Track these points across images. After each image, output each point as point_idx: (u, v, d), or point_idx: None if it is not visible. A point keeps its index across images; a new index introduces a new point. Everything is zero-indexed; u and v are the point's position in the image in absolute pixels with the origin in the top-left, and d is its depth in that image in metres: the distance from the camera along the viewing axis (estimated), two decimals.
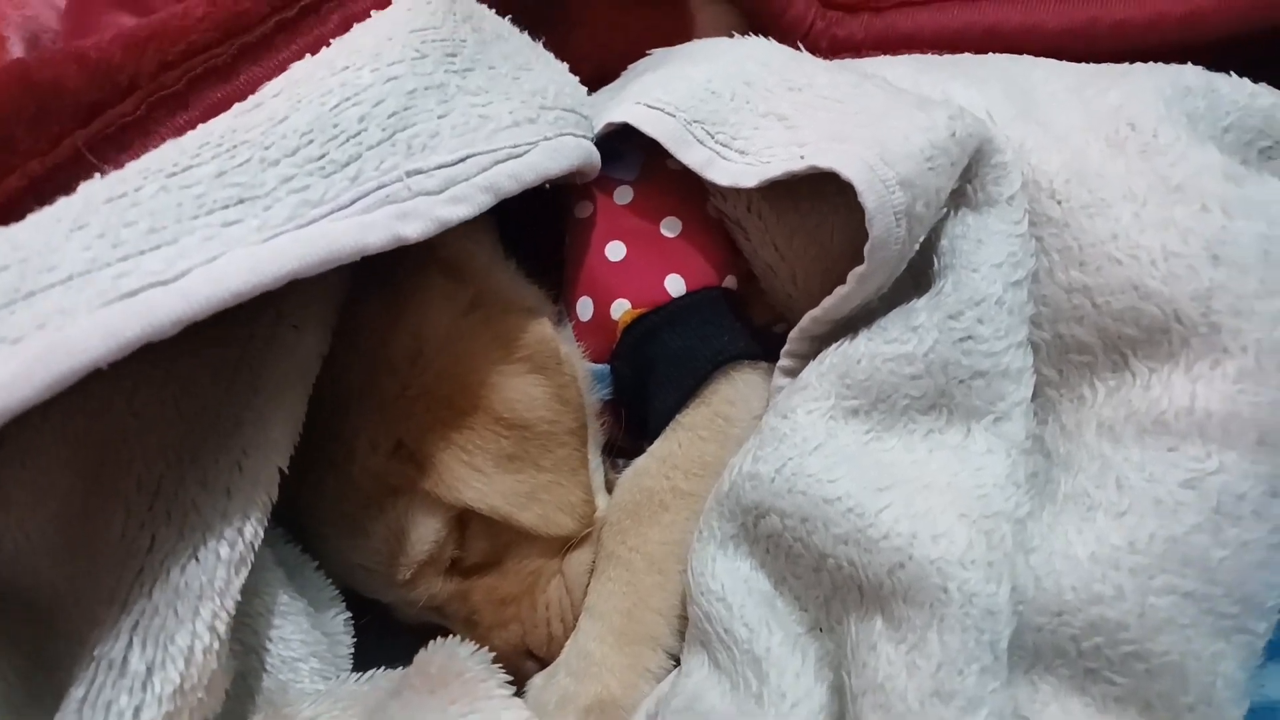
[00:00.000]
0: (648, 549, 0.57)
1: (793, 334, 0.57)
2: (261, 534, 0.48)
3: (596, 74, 0.71)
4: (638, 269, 0.61)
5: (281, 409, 0.50)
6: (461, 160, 0.50)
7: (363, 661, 0.57)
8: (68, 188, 0.57)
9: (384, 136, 0.48)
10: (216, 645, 0.44)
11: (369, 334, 0.56)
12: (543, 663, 0.58)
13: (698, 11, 0.82)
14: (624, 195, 0.64)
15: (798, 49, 0.67)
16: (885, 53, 0.73)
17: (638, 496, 0.58)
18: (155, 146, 0.57)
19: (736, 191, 0.59)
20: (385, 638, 0.59)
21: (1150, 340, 0.50)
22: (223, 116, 0.49)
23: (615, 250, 0.62)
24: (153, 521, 0.46)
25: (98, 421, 0.45)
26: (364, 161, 0.47)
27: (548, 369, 0.57)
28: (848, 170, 0.51)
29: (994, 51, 0.69)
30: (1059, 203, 0.54)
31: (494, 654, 0.56)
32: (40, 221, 0.42)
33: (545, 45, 0.65)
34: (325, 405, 0.54)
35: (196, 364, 0.48)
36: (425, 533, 0.56)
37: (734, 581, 0.52)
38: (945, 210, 0.55)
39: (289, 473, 0.50)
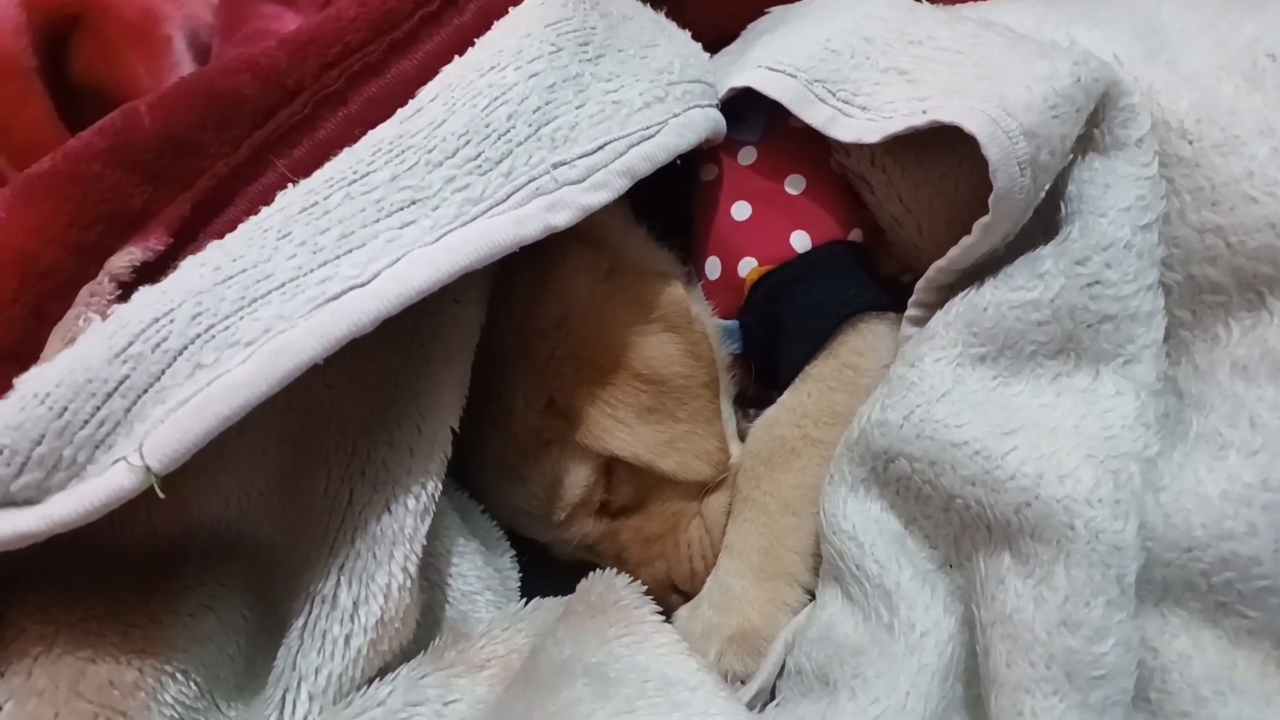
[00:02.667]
0: (781, 492, 0.60)
1: (919, 284, 0.59)
2: (440, 486, 0.54)
3: (716, 37, 0.74)
4: (763, 227, 0.64)
5: (450, 375, 0.56)
6: (600, 148, 0.54)
7: (528, 593, 0.63)
8: (249, 183, 0.64)
9: (530, 132, 0.53)
10: (409, 583, 0.51)
11: (520, 303, 0.61)
12: (687, 596, 0.63)
13: None
14: (748, 156, 0.67)
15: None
16: None
17: (770, 444, 0.62)
18: (322, 139, 0.64)
19: (860, 147, 0.61)
20: (545, 573, 0.65)
21: None
22: (389, 123, 0.54)
23: (741, 210, 0.65)
24: (350, 479, 0.53)
25: (299, 395, 0.51)
26: (515, 158, 0.52)
27: (680, 328, 0.61)
28: (970, 124, 0.52)
29: None
30: (1190, 142, 0.54)
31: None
32: (250, 233, 0.49)
33: (666, 14, 0.68)
34: (485, 368, 0.60)
35: (377, 340, 0.54)
36: (576, 479, 0.62)
37: (865, 522, 0.55)
38: (1072, 156, 0.55)
39: (458, 430, 0.56)
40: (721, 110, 0.65)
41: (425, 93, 0.55)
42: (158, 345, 0.44)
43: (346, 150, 0.53)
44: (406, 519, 0.52)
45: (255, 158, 0.64)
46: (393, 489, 0.52)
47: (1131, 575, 0.47)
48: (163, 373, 0.43)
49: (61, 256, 0.62)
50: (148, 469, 0.42)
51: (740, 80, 0.63)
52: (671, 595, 0.63)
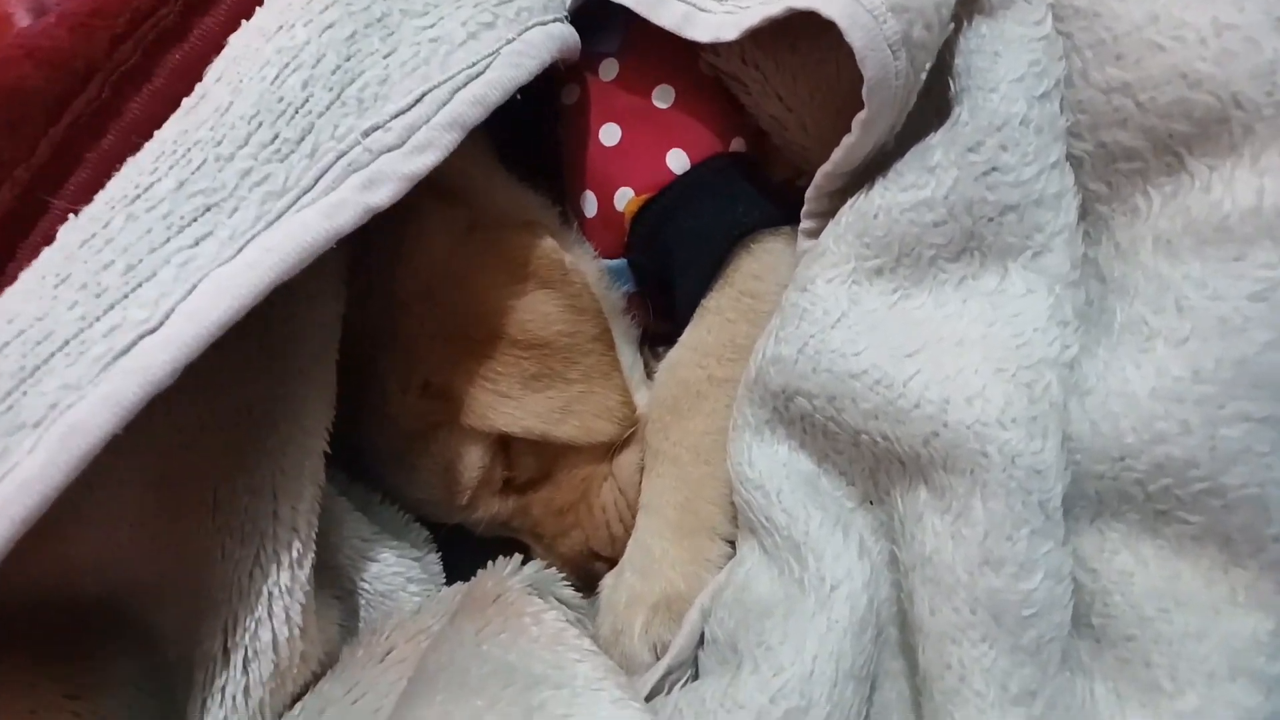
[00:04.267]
0: (691, 441, 0.55)
1: (809, 193, 0.53)
2: (315, 523, 0.49)
3: None
4: (636, 150, 0.57)
5: (312, 389, 0.51)
6: (417, 100, 0.46)
7: (457, 565, 0.60)
8: (59, 186, 0.58)
9: (332, 98, 0.45)
10: (298, 632, 0.48)
11: (379, 277, 0.55)
12: (611, 562, 0.59)
13: None
14: (609, 70, 0.59)
15: None
16: None
17: (675, 390, 0.57)
18: (130, 122, 0.57)
19: (728, 45, 0.54)
20: (469, 546, 0.60)
21: (1206, 134, 0.44)
22: (173, 118, 0.47)
23: (609, 134, 0.58)
24: (217, 533, 0.48)
25: (145, 436, 0.45)
26: (318, 132, 0.45)
27: (555, 282, 0.55)
28: (827, 7, 0.45)
29: None
30: None
31: (562, 561, 0.58)
32: (29, 284, 0.42)
33: None
34: (356, 351, 0.54)
35: (221, 367, 0.48)
36: (471, 461, 0.57)
37: (771, 466, 0.51)
38: (953, 25, 0.48)
39: (329, 450, 0.51)
40: (574, 21, 0.57)
41: (210, 73, 0.48)
42: None
43: (129, 161, 0.46)
44: (282, 574, 0.47)
45: (57, 156, 0.57)
46: (261, 542, 0.48)
47: (1056, 499, 0.42)
48: None
49: None
50: None
51: None
52: (594, 563, 0.59)
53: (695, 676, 0.51)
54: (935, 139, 0.48)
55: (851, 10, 0.45)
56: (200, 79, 0.58)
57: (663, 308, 0.61)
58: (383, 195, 0.45)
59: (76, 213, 0.46)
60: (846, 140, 0.49)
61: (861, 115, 0.47)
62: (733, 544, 0.55)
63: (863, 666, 0.46)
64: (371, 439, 0.58)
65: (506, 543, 0.61)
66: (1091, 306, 0.48)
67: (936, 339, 0.46)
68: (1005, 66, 0.47)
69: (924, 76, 0.48)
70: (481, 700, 0.41)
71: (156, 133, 0.47)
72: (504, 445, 0.57)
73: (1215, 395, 0.41)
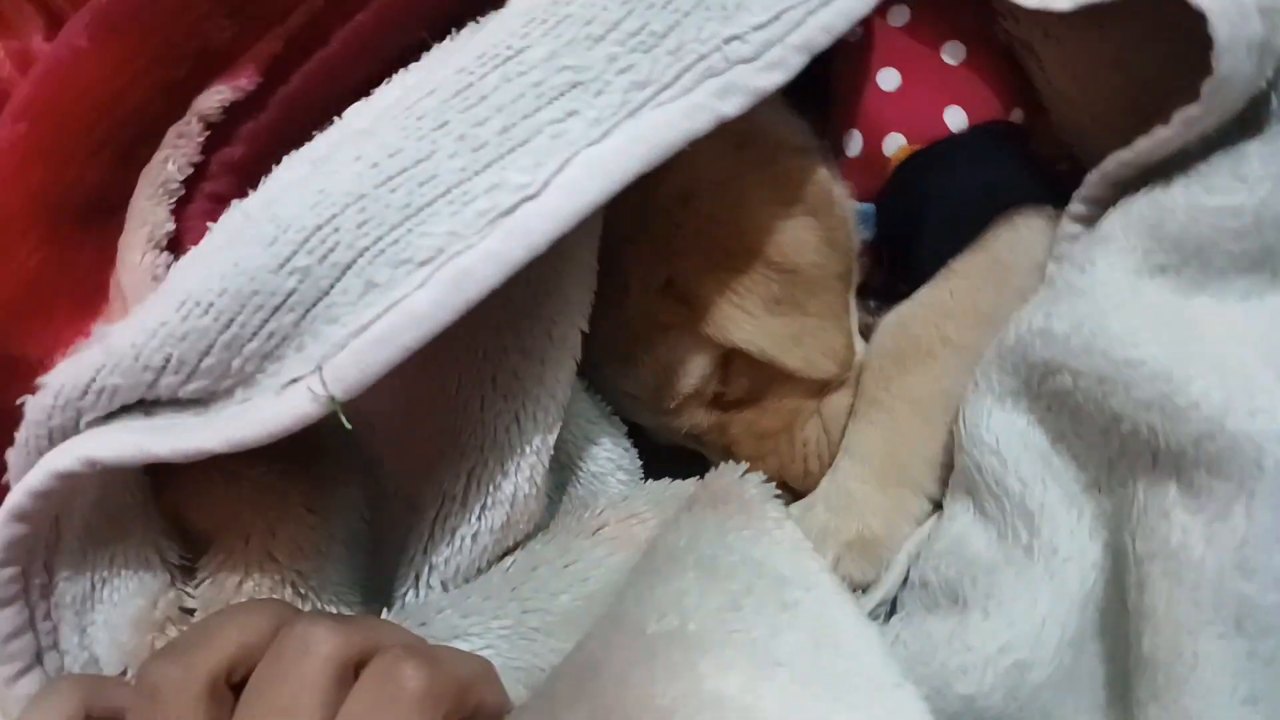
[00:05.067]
0: (912, 395, 0.56)
1: (1091, 177, 0.53)
2: (569, 393, 0.51)
3: None
4: (914, 100, 0.57)
5: (579, 270, 0.52)
6: (775, 18, 0.46)
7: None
8: (344, 20, 0.58)
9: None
10: (535, 491, 0.50)
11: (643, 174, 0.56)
12: (796, 496, 0.60)
13: None
14: (899, 15, 0.59)
15: None
16: None
17: (903, 343, 0.57)
18: None
19: (1030, 13, 0.53)
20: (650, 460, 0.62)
21: None
22: None
23: (889, 79, 0.58)
24: (480, 385, 0.50)
25: None
26: (683, 30, 0.45)
27: (820, 212, 0.55)
28: None
29: None
30: None
31: None
32: (402, 121, 0.43)
33: None
34: (603, 244, 0.55)
35: None
36: (692, 368, 0.58)
37: (1010, 435, 0.52)
38: None
39: (587, 331, 0.53)
40: None
41: None
42: (324, 257, 0.40)
43: (495, 18, 0.46)
44: (535, 434, 0.49)
45: None
46: (523, 400, 0.49)
47: None
48: (332, 286, 0.40)
49: (147, 95, 0.57)
50: (332, 398, 0.40)
51: None
52: (782, 494, 0.60)
53: (891, 613, 0.53)
54: (1251, 148, 0.48)
55: (1223, 3, 0.44)
56: None
57: (893, 263, 0.61)
58: (733, 105, 0.45)
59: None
60: (1160, 133, 0.49)
61: (1190, 111, 0.47)
62: (936, 504, 0.56)
63: (1077, 639, 0.47)
64: (598, 329, 0.59)
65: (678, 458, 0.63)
66: None
67: (1218, 345, 0.47)
68: None
69: (1263, 85, 0.47)
70: (736, 585, 0.42)
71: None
72: (726, 360, 0.58)
73: None
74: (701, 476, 0.53)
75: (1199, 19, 0.45)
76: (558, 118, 0.43)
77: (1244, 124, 0.50)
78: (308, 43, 0.58)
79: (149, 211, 0.56)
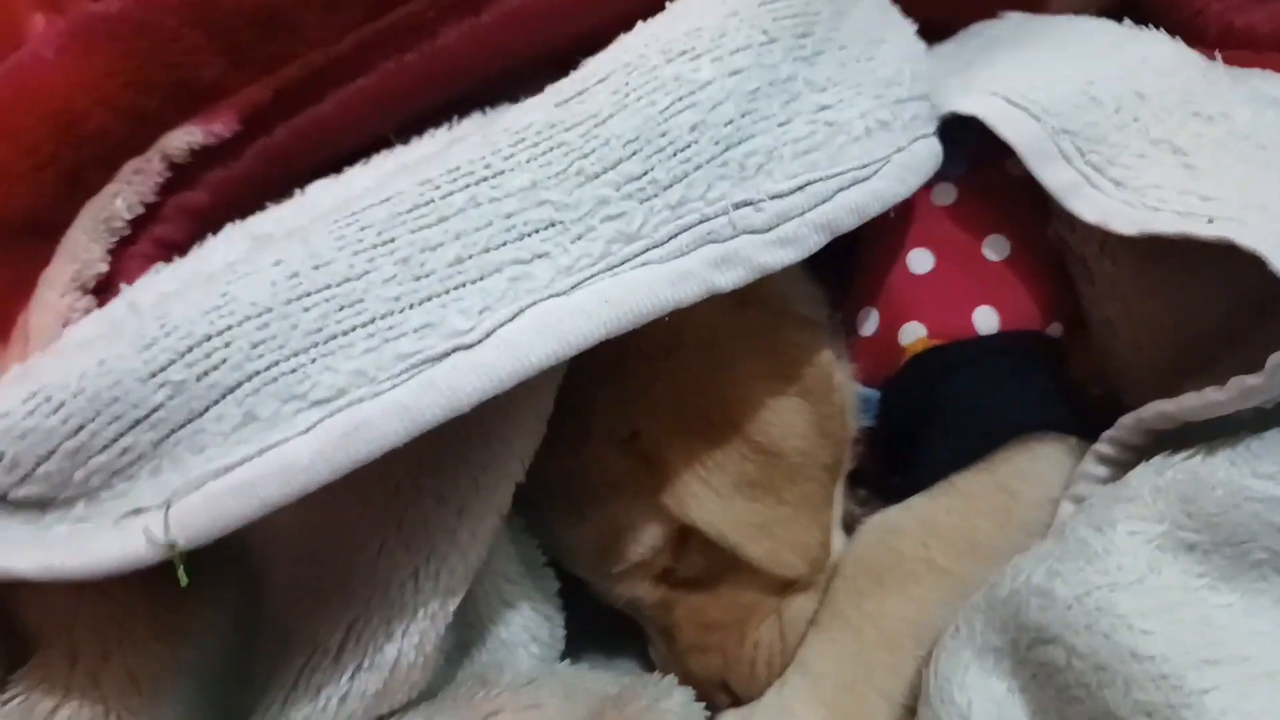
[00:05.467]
0: (884, 621, 0.49)
1: (1126, 420, 0.47)
2: (485, 554, 0.45)
3: (925, 27, 0.60)
4: (943, 289, 0.52)
5: (524, 414, 0.46)
6: (799, 189, 0.42)
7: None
8: (344, 82, 0.53)
9: (716, 153, 0.41)
10: (420, 661, 0.43)
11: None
12: (736, 700, 0.53)
13: None
14: (944, 195, 0.54)
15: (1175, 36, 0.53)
16: None
17: (885, 557, 0.51)
18: (441, 49, 0.53)
19: (1087, 225, 0.48)
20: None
21: None
22: (543, 103, 0.42)
23: (920, 260, 0.53)
24: (383, 526, 0.43)
25: None
26: (689, 185, 0.40)
27: (816, 395, 0.50)
28: (1276, 257, 0.39)
29: None
30: None
31: (684, 676, 0.52)
32: (342, 228, 0.38)
33: None
34: (570, 379, 0.49)
35: None
36: (643, 536, 0.51)
37: (984, 701, 0.44)
38: None
39: (523, 481, 0.46)
40: None
41: (592, 66, 0.43)
42: (205, 375, 0.35)
43: (481, 134, 0.41)
44: (433, 597, 0.42)
45: (357, 52, 0.53)
46: (427, 555, 0.43)
47: None
48: (205, 410, 0.35)
49: (110, 120, 0.53)
50: (172, 545, 0.34)
51: (968, 107, 0.50)
52: (720, 694, 0.53)
53: None
54: None
55: None
56: (531, 33, 0.54)
57: (890, 453, 0.55)
58: (729, 278, 0.41)
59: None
60: (1212, 395, 0.43)
61: (1251, 381, 0.41)
62: None
63: None
64: (548, 470, 0.52)
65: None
66: None
67: (1243, 656, 0.40)
68: None
69: None
70: None
71: (517, 110, 0.42)
72: (682, 535, 0.52)
73: None
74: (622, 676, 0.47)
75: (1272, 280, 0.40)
76: (522, 258, 0.38)
77: None
78: (298, 98, 0.53)
79: (83, 247, 0.51)
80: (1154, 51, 0.51)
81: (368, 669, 0.42)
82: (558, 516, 0.53)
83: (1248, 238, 0.40)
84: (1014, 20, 0.60)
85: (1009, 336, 0.51)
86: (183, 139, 0.52)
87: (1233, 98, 0.48)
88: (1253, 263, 0.41)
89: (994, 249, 0.52)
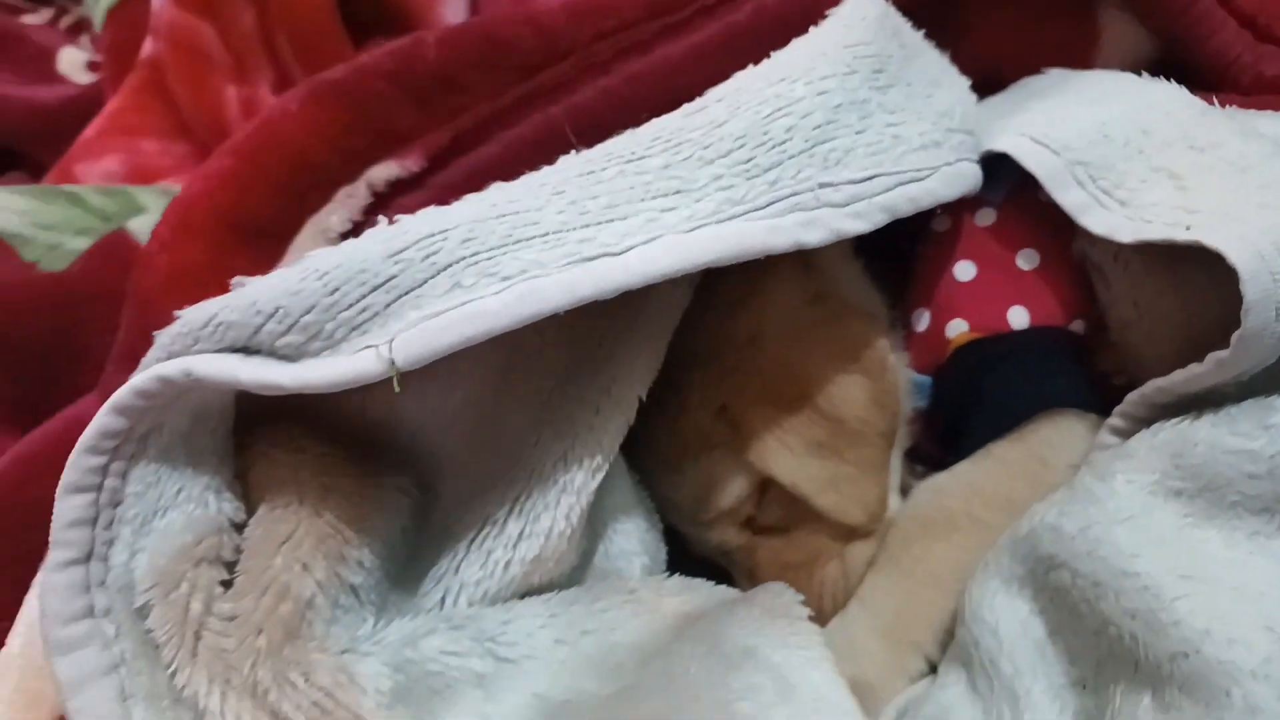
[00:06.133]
0: (931, 562, 0.60)
1: (1131, 396, 0.57)
2: (616, 447, 0.57)
3: (982, 79, 0.71)
4: (984, 293, 0.63)
5: (648, 348, 0.58)
6: (869, 179, 0.54)
7: None
8: (505, 128, 0.68)
9: (805, 148, 0.53)
10: (569, 531, 0.55)
11: (720, 308, 0.63)
12: None
13: (1105, 27, 0.78)
14: (986, 217, 0.65)
15: (1205, 94, 0.63)
16: None
17: (932, 512, 0.61)
18: (578, 104, 0.67)
19: (1105, 239, 0.59)
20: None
21: None
22: (673, 115, 0.56)
23: (965, 270, 0.64)
24: (539, 424, 0.56)
25: (519, 335, 0.53)
26: (783, 169, 0.52)
27: (873, 374, 0.61)
28: (1234, 255, 0.49)
29: None
30: None
31: None
32: (530, 183, 0.52)
33: (936, 46, 0.67)
34: (671, 358, 0.62)
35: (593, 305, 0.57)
36: (731, 488, 0.63)
37: (1010, 619, 0.54)
38: None
39: (644, 400, 0.58)
40: None
41: (713, 93, 0.57)
42: (428, 256, 0.47)
43: (629, 132, 0.55)
44: (579, 473, 0.55)
45: (515, 106, 0.69)
46: (573, 442, 0.55)
47: None
48: (426, 281, 0.47)
49: (331, 157, 0.69)
50: (392, 362, 0.46)
51: (1001, 145, 0.61)
52: None
53: None
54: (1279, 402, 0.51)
55: (1255, 267, 0.49)
56: (649, 91, 0.68)
57: (942, 433, 0.66)
58: (815, 236, 0.52)
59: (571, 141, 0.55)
60: (1194, 368, 0.53)
61: (1220, 354, 0.51)
62: (933, 668, 0.59)
63: None
64: (653, 434, 0.65)
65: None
66: None
67: (1214, 574, 0.49)
68: None
69: None
70: (808, 702, 0.46)
71: (656, 120, 0.56)
72: (763, 488, 0.64)
73: None
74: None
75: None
76: (658, 209, 0.51)
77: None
78: (471, 141, 0.68)
79: (307, 249, 0.66)
80: (1161, 97, 0.61)
81: (528, 536, 0.54)
82: (661, 474, 0.66)
83: (1213, 239, 0.50)
84: (1054, 75, 0.71)
85: (1038, 331, 0.61)
86: (384, 172, 0.68)
87: (1225, 131, 0.58)
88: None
89: (1026, 260, 0.63)
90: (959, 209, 0.66)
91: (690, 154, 0.52)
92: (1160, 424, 0.55)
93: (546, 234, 0.49)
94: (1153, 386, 0.55)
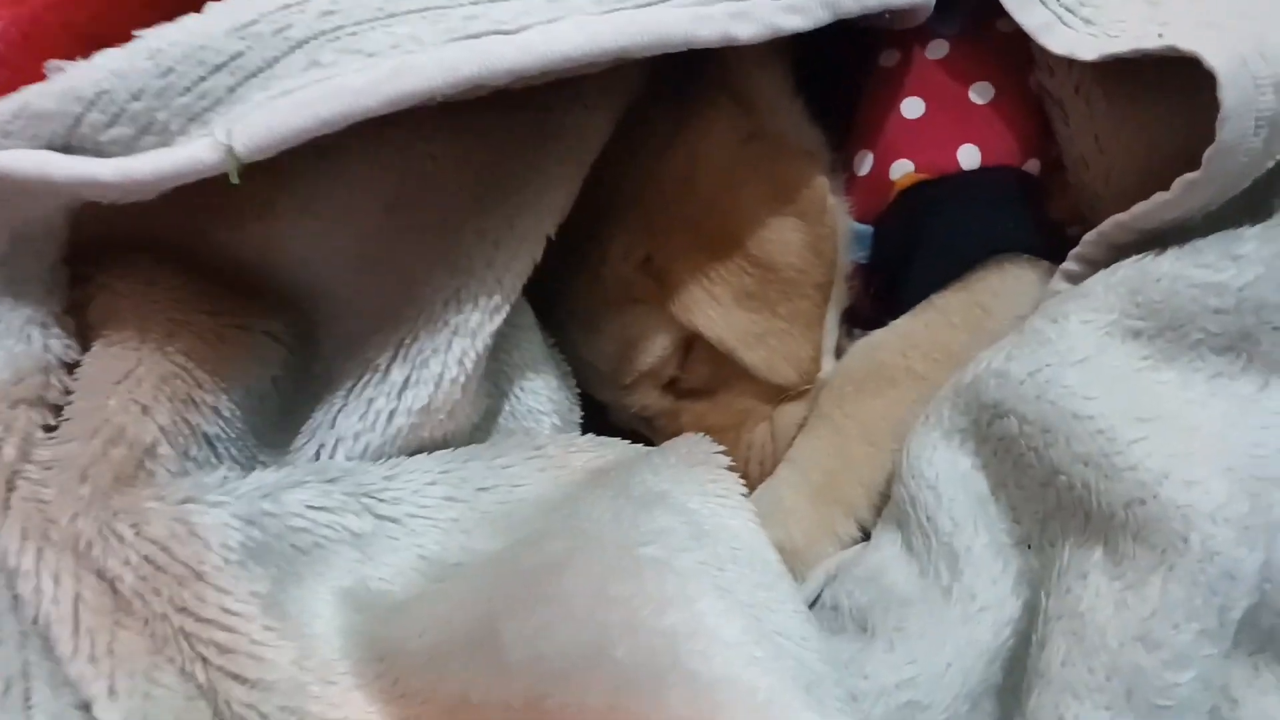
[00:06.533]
0: (864, 418, 0.55)
1: (1089, 236, 0.52)
2: (519, 288, 0.50)
3: None
4: (932, 131, 0.57)
5: (561, 178, 0.51)
6: None
7: None
8: None
9: None
10: (463, 378, 0.48)
11: (647, 143, 0.56)
12: None
13: None
14: (938, 49, 0.59)
15: None
16: None
17: (868, 366, 0.56)
18: None
19: (1067, 66, 0.53)
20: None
21: None
22: None
23: (913, 106, 0.58)
24: (428, 256, 0.49)
25: (400, 157, 0.48)
26: None
27: (810, 217, 0.55)
28: (1213, 58, 0.44)
29: None
30: None
31: None
32: None
33: None
34: (590, 204, 0.55)
35: (493, 120, 0.50)
36: (653, 345, 0.58)
37: (950, 474, 0.50)
38: None
39: (554, 238, 0.52)
40: None
41: None
42: (280, 30, 0.40)
43: None
44: (474, 314, 0.48)
45: None
46: (465, 278, 0.48)
47: (1238, 611, 0.41)
48: (277, 60, 0.40)
49: None
50: (230, 149, 0.38)
51: None
52: None
53: None
54: (1250, 232, 0.47)
55: (1237, 70, 0.43)
56: None
57: (882, 289, 0.61)
58: (746, 30, 0.45)
59: None
60: (1160, 197, 0.48)
61: (1191, 176, 0.46)
62: (865, 532, 0.54)
63: (977, 692, 0.45)
64: (570, 290, 0.59)
65: None
66: None
67: (1173, 416, 0.45)
68: None
69: (1268, 166, 0.46)
70: (721, 548, 0.41)
71: None
72: (688, 345, 0.58)
73: None
74: None
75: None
76: None
77: (1251, 209, 0.49)
78: None
79: None
80: None
81: (415, 384, 0.47)
82: (578, 334, 0.60)
83: (1189, 43, 0.45)
84: None
85: (989, 171, 0.56)
86: None
87: None
88: (1206, 82, 0.45)
89: (979, 94, 0.57)
90: (909, 42, 0.59)
91: None
92: (1119, 263, 0.50)
93: (427, 8, 0.41)
94: (1112, 223, 0.51)
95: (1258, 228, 0.47)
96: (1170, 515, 0.42)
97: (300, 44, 0.40)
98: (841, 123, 0.61)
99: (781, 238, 0.55)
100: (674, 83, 0.57)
